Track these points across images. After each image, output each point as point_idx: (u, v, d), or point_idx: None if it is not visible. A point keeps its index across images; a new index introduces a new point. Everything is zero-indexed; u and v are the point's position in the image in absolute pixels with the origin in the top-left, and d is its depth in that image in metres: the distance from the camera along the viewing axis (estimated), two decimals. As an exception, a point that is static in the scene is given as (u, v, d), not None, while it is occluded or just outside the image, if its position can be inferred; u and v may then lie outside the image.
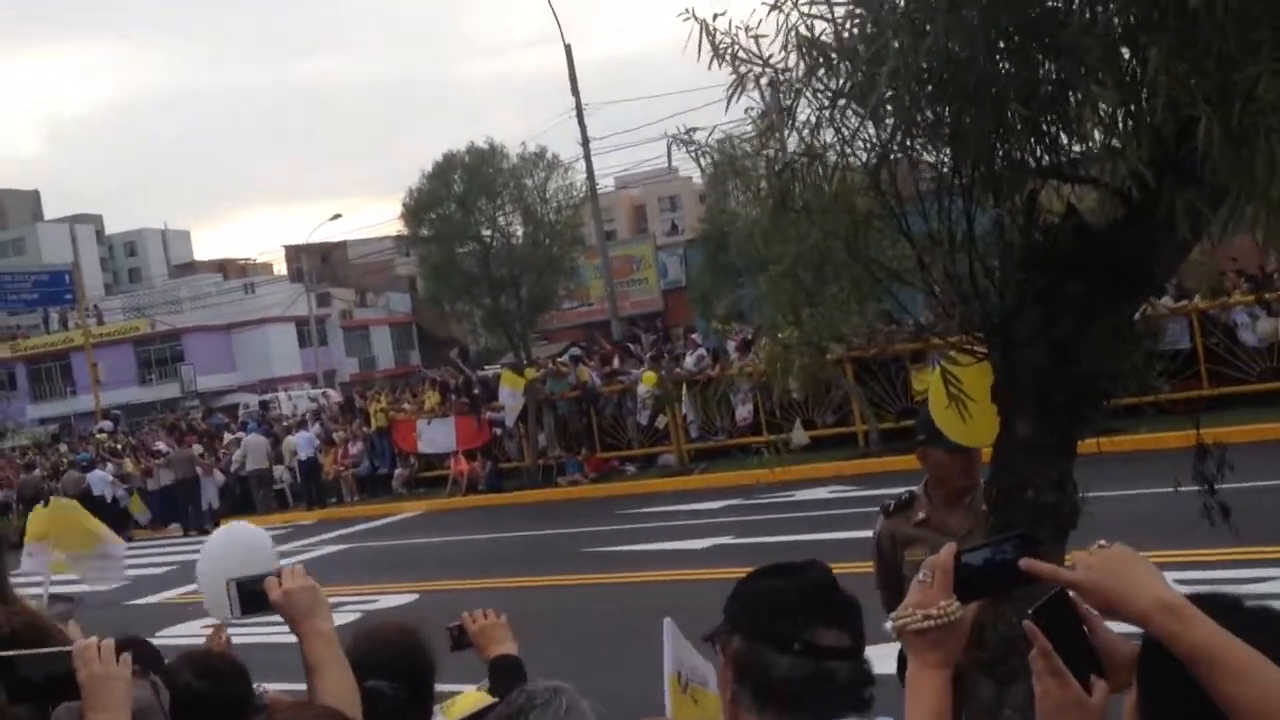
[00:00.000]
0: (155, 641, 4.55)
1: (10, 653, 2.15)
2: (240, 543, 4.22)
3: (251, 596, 2.44)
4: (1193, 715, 1.49)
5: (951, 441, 4.02)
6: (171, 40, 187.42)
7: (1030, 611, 1.67)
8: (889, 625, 1.80)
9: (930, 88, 2.64)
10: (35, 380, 58.28)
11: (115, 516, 23.59)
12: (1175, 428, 3.45)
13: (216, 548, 4.21)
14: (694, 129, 3.10)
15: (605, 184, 41.18)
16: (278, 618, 2.41)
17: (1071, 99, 2.80)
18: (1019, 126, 2.72)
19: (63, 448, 31.29)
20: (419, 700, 2.87)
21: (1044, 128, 2.82)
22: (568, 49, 29.89)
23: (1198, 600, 1.55)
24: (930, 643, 1.73)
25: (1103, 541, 1.64)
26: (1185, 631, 1.49)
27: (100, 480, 24.08)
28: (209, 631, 4.12)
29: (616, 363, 21.75)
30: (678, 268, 46.63)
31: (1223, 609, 1.54)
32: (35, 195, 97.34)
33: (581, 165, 27.47)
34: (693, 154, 3.07)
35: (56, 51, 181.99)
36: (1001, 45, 2.64)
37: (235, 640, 4.01)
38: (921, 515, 4.35)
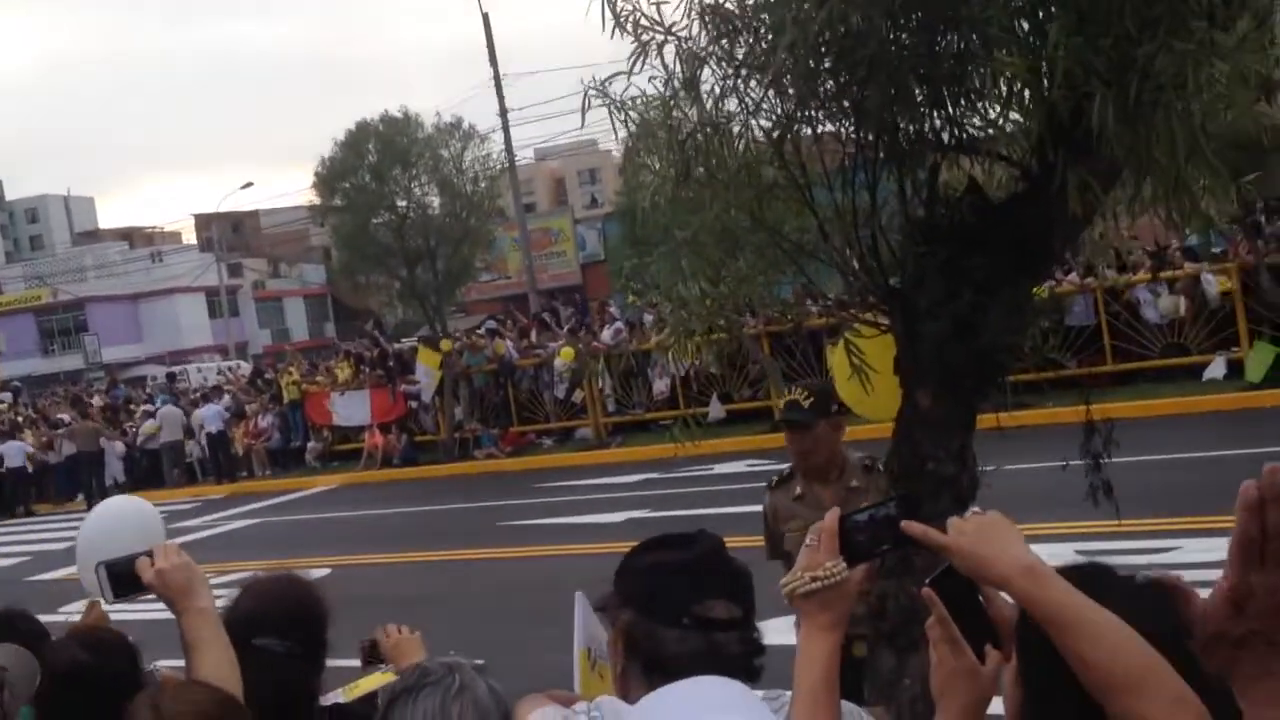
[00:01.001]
0: (56, 618, 4.40)
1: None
2: (118, 518, 4.07)
3: (123, 579, 2.36)
4: (1060, 678, 1.53)
5: (788, 418, 4.13)
6: (78, 2, 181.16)
7: (928, 580, 1.72)
8: (782, 590, 1.80)
9: (829, 60, 2.62)
10: (-70, 351, 56.19)
11: (24, 491, 22.98)
12: (1076, 403, 3.51)
13: (91, 526, 4.05)
14: (609, 79, 3.04)
15: (524, 156, 40.84)
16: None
17: (973, 73, 2.81)
18: (920, 99, 2.72)
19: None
20: (311, 655, 2.80)
21: (945, 101, 2.82)
22: (485, 17, 29.50)
23: (1070, 569, 1.60)
24: (819, 604, 1.74)
25: (976, 509, 1.68)
26: (1042, 594, 1.54)
27: (17, 451, 23.30)
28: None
29: (534, 336, 21.62)
30: (596, 241, 46.47)
31: (1092, 576, 1.60)
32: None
33: (500, 136, 27.18)
34: (608, 106, 3.01)
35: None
36: (902, 18, 2.63)
37: (123, 617, 3.88)
38: (798, 490, 4.42)
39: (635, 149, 3.80)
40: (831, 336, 16.88)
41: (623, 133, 3.40)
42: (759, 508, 4.71)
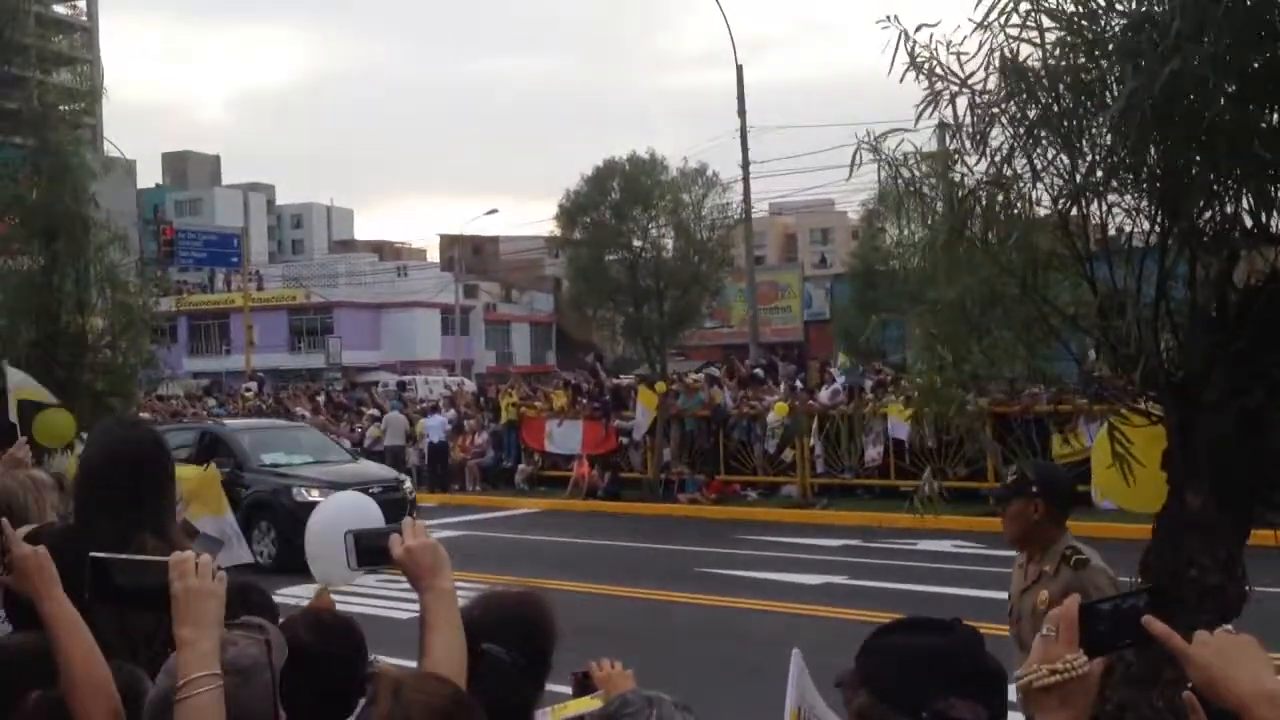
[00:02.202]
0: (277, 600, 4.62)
1: (105, 554, 2.16)
2: (352, 508, 4.27)
3: (369, 550, 2.41)
4: None
5: (993, 493, 4.26)
6: (359, 26, 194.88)
7: (1190, 685, 1.58)
8: (1014, 683, 1.68)
9: (1153, 127, 2.46)
10: (194, 335, 60.96)
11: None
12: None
13: (330, 510, 4.27)
14: (883, 136, 2.97)
15: (760, 208, 41.05)
16: (387, 587, 2.38)
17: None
18: (1236, 177, 2.52)
19: (210, 401, 32.61)
20: (535, 670, 2.80)
21: (1260, 183, 2.61)
22: (739, 69, 29.87)
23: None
24: (1058, 700, 1.61)
25: (1229, 626, 1.56)
26: None
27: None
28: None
29: (750, 388, 21.55)
30: (822, 300, 46.12)
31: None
32: (216, 160, 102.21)
33: (739, 186, 27.39)
34: (880, 161, 2.93)
35: (253, 28, 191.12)
36: (1236, 87, 2.44)
37: (341, 608, 4.02)
38: (1023, 558, 4.44)
39: (890, 207, 3.70)
40: (1061, 423, 16.15)
41: (878, 190, 3.32)
42: (962, 590, 4.54)
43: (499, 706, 2.60)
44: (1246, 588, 3.04)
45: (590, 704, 3.05)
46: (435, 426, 23.53)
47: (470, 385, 36.02)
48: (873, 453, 18.35)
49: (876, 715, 1.83)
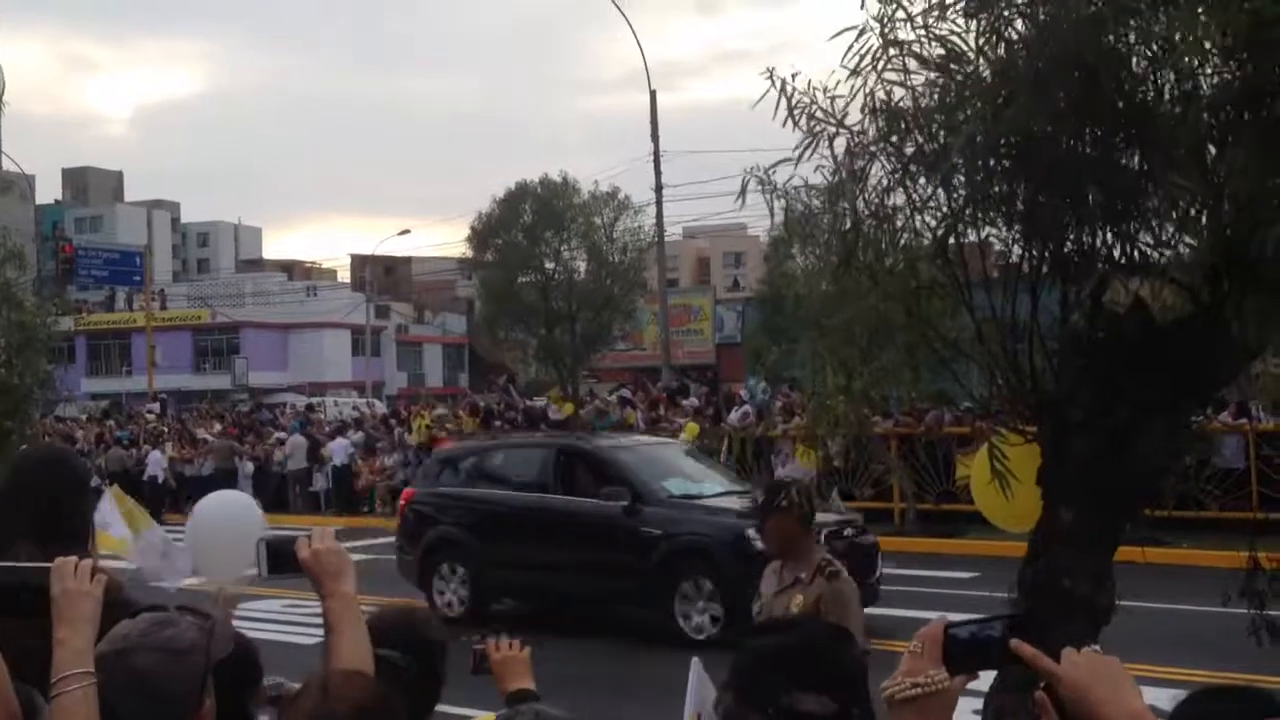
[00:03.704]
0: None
1: None
2: (236, 504, 4.28)
3: (280, 556, 2.44)
4: None
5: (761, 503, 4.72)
6: (266, 43, 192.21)
7: (1042, 685, 1.68)
8: (882, 694, 1.79)
9: (1006, 162, 2.64)
10: (94, 355, 59.36)
11: (158, 499, 23.94)
12: (1218, 546, 3.38)
13: (212, 507, 4.26)
14: (773, 168, 3.12)
15: (673, 232, 41.38)
16: (290, 612, 2.41)
17: (1152, 192, 2.78)
18: (1097, 213, 2.70)
19: (110, 423, 31.75)
20: (428, 677, 2.85)
21: (1120, 217, 2.80)
22: (652, 95, 30.19)
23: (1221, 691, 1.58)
24: (917, 711, 1.72)
25: (1096, 646, 1.67)
26: None
27: (156, 461, 24.36)
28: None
29: (662, 410, 21.71)
30: (734, 323, 46.63)
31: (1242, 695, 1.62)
32: (119, 176, 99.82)
33: (652, 210, 27.66)
34: (768, 193, 3.08)
35: (160, 42, 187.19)
36: (1085, 130, 2.63)
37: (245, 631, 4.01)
38: (778, 563, 4.85)
39: (788, 237, 3.85)
40: (962, 447, 16.61)
41: (779, 219, 3.45)
42: (871, 610, 4.76)
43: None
44: (1115, 599, 3.22)
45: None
46: (339, 450, 23.24)
47: (380, 407, 35.60)
48: (781, 473, 18.62)
49: (735, 715, 1.90)
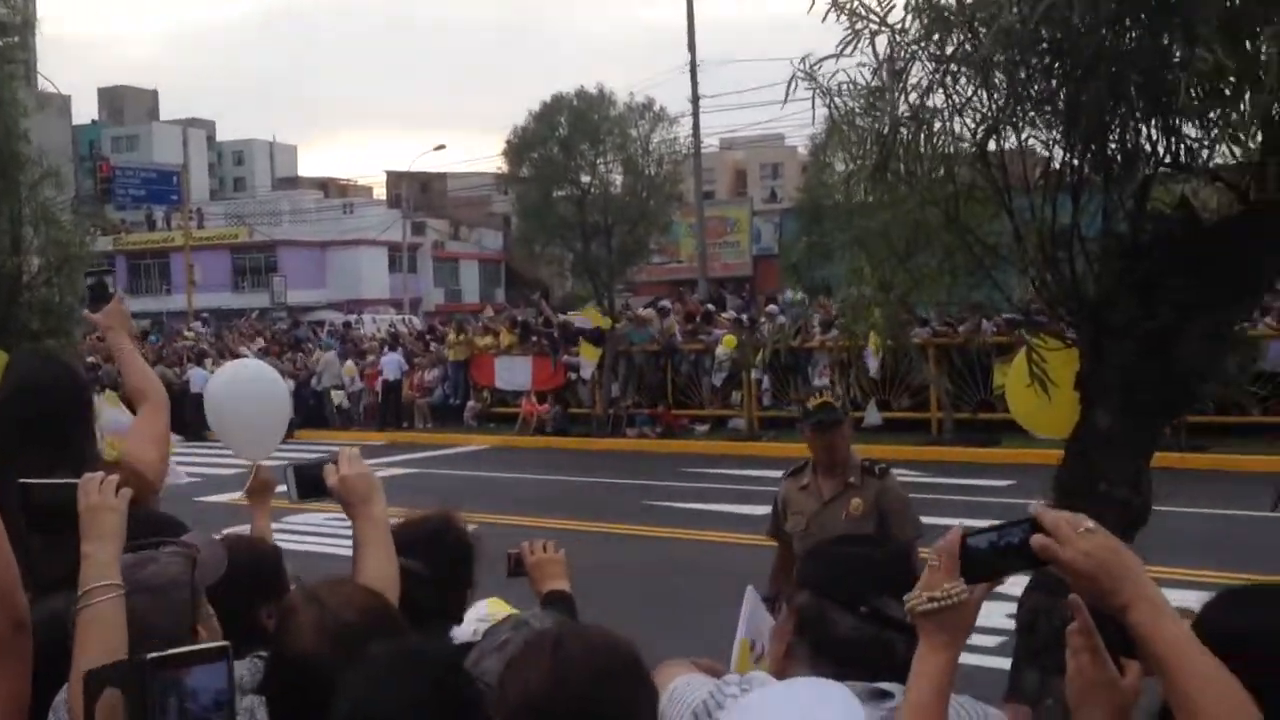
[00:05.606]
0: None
1: (29, 480, 2.28)
2: (254, 381, 4.35)
3: (309, 482, 2.49)
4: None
5: (822, 419, 4.61)
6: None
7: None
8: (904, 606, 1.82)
9: (1046, 57, 2.56)
10: (133, 275, 59.90)
11: (201, 415, 24.27)
12: (1261, 451, 3.34)
13: (227, 379, 4.33)
14: (819, 63, 3.04)
15: (710, 143, 40.99)
16: (332, 524, 2.46)
17: (1194, 83, 2.69)
18: (1138, 107, 2.63)
19: (150, 340, 32.19)
20: (454, 583, 2.92)
21: (1163, 111, 2.72)
22: (689, 2, 29.64)
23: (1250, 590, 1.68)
24: (937, 624, 1.76)
25: (1090, 525, 1.65)
26: (1160, 628, 1.57)
27: (201, 378, 24.74)
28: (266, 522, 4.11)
29: (699, 321, 21.69)
30: (771, 235, 46.26)
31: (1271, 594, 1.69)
32: (153, 95, 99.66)
33: (688, 121, 27.32)
34: (814, 90, 3.01)
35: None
36: (1127, 19, 2.54)
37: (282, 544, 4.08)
38: (805, 481, 4.80)
39: (829, 143, 3.78)
40: (1000, 355, 16.51)
41: (823, 114, 3.36)
42: None
43: (420, 614, 2.72)
44: (1150, 503, 3.21)
45: (497, 605, 3.16)
46: (390, 365, 23.48)
47: (418, 323, 35.81)
48: (818, 383, 18.63)
49: (817, 610, 2.00)
